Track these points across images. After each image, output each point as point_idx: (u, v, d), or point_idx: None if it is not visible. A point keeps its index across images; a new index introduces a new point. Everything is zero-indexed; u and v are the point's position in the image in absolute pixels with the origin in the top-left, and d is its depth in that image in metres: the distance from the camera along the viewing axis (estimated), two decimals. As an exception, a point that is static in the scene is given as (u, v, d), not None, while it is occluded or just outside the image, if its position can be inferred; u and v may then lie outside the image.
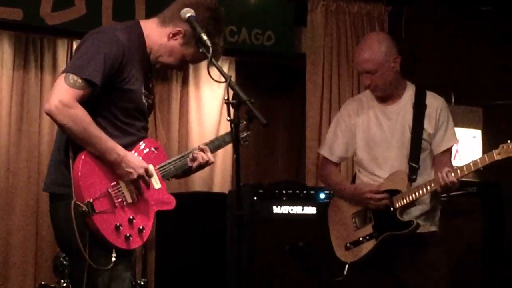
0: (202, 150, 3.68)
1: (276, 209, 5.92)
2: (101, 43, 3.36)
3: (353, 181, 4.62)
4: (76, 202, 3.25)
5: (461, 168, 4.16)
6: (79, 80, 3.27)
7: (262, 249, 5.79)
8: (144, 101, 3.52)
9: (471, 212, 6.43)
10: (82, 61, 3.31)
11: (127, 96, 3.42)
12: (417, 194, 4.24)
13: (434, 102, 4.43)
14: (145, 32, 3.52)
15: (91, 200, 3.26)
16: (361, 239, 4.37)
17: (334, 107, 6.84)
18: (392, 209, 4.29)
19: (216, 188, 6.84)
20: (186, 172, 3.72)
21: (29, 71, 6.30)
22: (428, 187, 4.22)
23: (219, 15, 3.51)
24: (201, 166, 3.69)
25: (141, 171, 3.37)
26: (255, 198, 5.88)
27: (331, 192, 6.02)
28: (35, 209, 6.19)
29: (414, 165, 4.32)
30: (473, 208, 6.43)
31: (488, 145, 7.04)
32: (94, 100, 3.33)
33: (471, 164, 4.13)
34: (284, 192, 5.96)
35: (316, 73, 6.88)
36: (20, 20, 5.89)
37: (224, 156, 6.84)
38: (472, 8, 7.29)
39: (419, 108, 4.38)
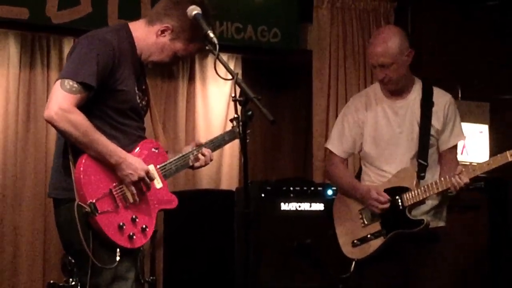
0: (204, 153, 3.72)
1: (284, 206, 5.92)
2: (92, 46, 3.39)
3: (358, 175, 4.60)
4: (79, 203, 3.27)
5: (473, 167, 4.15)
6: (75, 85, 3.30)
7: (270, 246, 5.80)
8: (138, 101, 3.54)
9: (478, 207, 6.42)
10: (76, 65, 3.34)
11: (120, 97, 3.45)
12: (427, 193, 4.24)
13: (441, 98, 4.42)
14: (134, 34, 3.55)
15: (94, 200, 3.28)
16: (369, 236, 4.35)
17: (341, 103, 6.83)
18: (401, 207, 4.29)
19: (223, 186, 6.85)
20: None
21: (35, 70, 6.31)
22: (440, 188, 4.21)
23: (205, 9, 3.51)
24: (203, 166, 3.75)
25: (142, 174, 3.39)
26: (263, 195, 5.88)
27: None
28: (43, 207, 6.20)
29: (423, 162, 4.31)
30: (480, 203, 6.42)
31: (495, 140, 7.03)
32: (89, 103, 3.36)
33: (484, 164, 4.14)
34: (291, 189, 5.96)
35: (322, 69, 6.88)
36: (26, 19, 5.89)
37: (231, 154, 6.85)
38: (478, 3, 7.28)
39: (427, 105, 4.37)
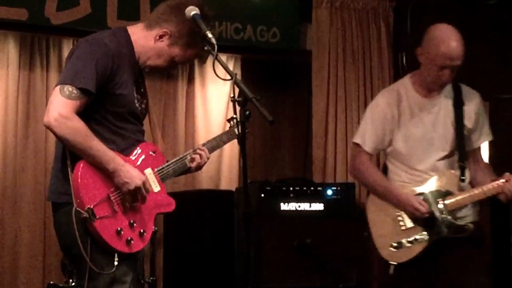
0: (199, 153, 3.73)
1: (284, 206, 5.92)
2: (90, 50, 3.39)
3: (384, 173, 4.49)
4: (77, 208, 3.28)
5: None
6: (75, 91, 3.30)
7: (270, 246, 5.80)
8: (137, 105, 3.54)
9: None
10: (75, 71, 3.34)
11: (119, 101, 3.45)
12: (473, 199, 4.21)
13: (471, 97, 4.37)
14: (132, 38, 3.55)
15: (92, 206, 3.28)
16: (410, 240, 4.26)
17: (340, 103, 6.84)
18: (444, 211, 4.23)
19: (223, 186, 6.84)
20: (184, 172, 3.76)
21: (34, 71, 6.31)
22: (487, 194, 4.18)
23: (204, 13, 3.51)
24: (200, 167, 3.76)
25: (139, 183, 3.39)
26: (262, 195, 5.88)
27: (339, 188, 6.04)
28: (43, 208, 6.20)
29: (462, 164, 4.27)
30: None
31: (495, 139, 7.02)
32: (87, 107, 3.36)
33: None
34: (291, 189, 5.96)
35: (321, 69, 6.87)
36: (25, 20, 5.89)
37: (230, 154, 6.85)
38: (477, 2, 7.27)
39: (458, 104, 4.31)
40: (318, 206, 5.97)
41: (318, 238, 5.76)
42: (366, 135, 4.42)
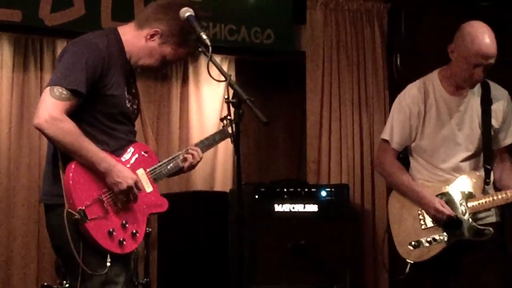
0: (192, 152, 3.73)
1: (278, 208, 5.92)
2: (81, 52, 3.40)
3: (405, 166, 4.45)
4: (69, 210, 3.28)
5: None
6: (65, 92, 3.31)
7: (264, 247, 5.80)
8: (128, 105, 3.55)
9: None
10: (65, 72, 3.35)
11: (110, 102, 3.46)
12: (496, 203, 4.17)
13: (499, 95, 4.33)
14: (123, 38, 3.56)
15: (84, 207, 3.29)
16: (429, 239, 4.24)
17: (335, 104, 6.84)
18: (466, 214, 4.21)
19: (217, 187, 6.83)
20: (177, 172, 3.77)
21: (29, 72, 6.29)
22: (510, 199, 4.15)
23: (195, 12, 3.51)
24: (192, 166, 3.76)
25: (131, 182, 3.39)
26: (256, 196, 5.89)
27: (333, 190, 6.03)
28: (37, 210, 6.18)
29: (488, 167, 4.24)
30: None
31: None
32: (78, 108, 3.36)
33: None
34: (285, 190, 5.96)
35: (316, 70, 6.88)
36: (19, 21, 5.88)
37: (225, 155, 6.84)
38: (471, 3, 7.28)
39: (486, 103, 4.26)
40: (312, 208, 5.97)
41: (312, 239, 5.76)
42: (393, 131, 4.37)
